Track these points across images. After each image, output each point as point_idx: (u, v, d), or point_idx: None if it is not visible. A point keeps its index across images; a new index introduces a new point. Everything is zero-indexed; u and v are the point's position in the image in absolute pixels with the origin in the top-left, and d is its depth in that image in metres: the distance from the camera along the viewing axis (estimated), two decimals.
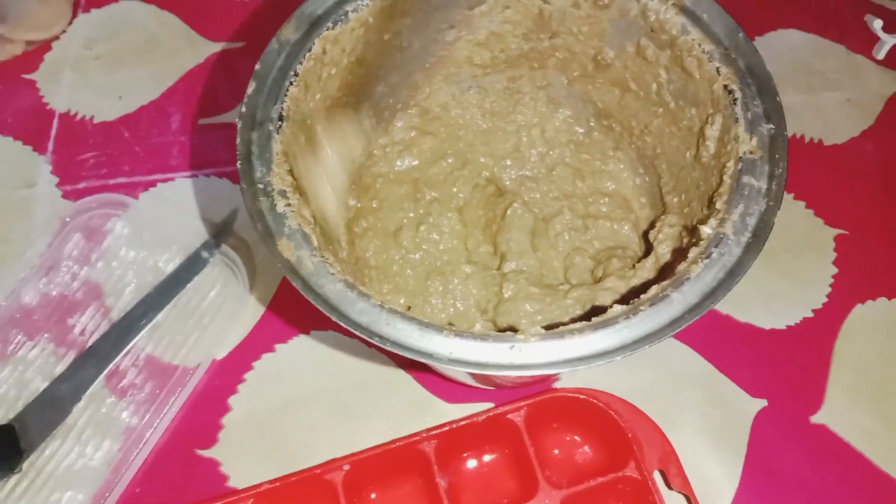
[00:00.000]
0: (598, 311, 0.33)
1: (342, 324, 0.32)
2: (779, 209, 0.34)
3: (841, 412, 0.49)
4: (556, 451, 0.46)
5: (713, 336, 0.51)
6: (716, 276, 0.32)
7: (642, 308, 0.31)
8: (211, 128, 0.60)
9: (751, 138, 0.35)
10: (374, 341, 0.31)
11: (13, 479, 0.47)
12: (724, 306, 0.52)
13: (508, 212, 0.44)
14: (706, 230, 0.33)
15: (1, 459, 0.46)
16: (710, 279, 0.32)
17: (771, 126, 0.35)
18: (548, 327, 0.32)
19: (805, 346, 0.51)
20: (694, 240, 0.34)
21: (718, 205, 0.34)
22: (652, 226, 0.42)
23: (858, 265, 0.54)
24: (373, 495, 0.46)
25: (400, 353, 0.31)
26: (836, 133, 0.59)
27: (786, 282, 0.53)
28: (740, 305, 0.52)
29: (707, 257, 0.32)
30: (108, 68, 0.63)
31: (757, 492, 0.46)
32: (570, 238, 0.43)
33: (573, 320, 0.35)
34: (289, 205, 0.34)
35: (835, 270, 0.54)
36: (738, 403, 0.49)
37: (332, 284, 0.32)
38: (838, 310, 0.52)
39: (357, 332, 0.31)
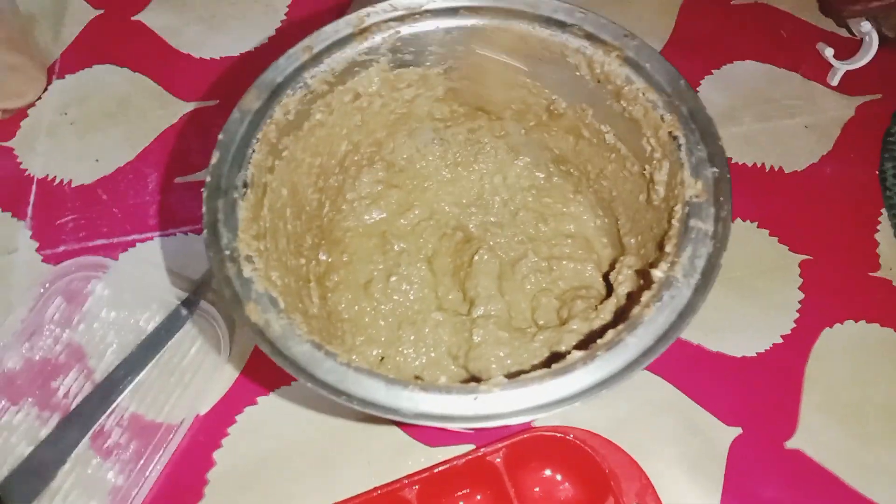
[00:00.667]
0: (560, 356, 0.34)
1: (310, 384, 0.33)
2: (725, 250, 0.35)
3: (815, 436, 0.50)
4: (537, 489, 0.47)
5: (685, 366, 0.52)
6: (667, 318, 0.33)
7: (599, 353, 0.32)
8: (186, 186, 0.61)
9: (696, 182, 0.36)
10: (342, 400, 0.32)
11: None
12: (694, 336, 0.53)
13: (475, 258, 0.45)
14: (657, 274, 0.34)
15: None
16: (663, 322, 0.33)
17: (715, 169, 0.36)
18: (513, 374, 0.33)
19: (776, 371, 0.52)
20: (647, 283, 0.35)
21: (668, 248, 0.35)
22: (612, 266, 0.43)
23: (824, 289, 0.55)
24: None
25: (367, 410, 0.32)
26: (796, 160, 0.61)
27: (754, 309, 0.54)
28: (711, 334, 0.53)
29: (659, 300, 0.34)
30: (83, 132, 0.64)
31: None
32: (535, 280, 0.45)
33: (541, 362, 0.36)
34: (255, 269, 0.36)
35: (801, 296, 0.55)
36: (714, 432, 0.50)
37: (299, 346, 0.33)
38: (807, 334, 0.53)
39: (325, 392, 0.32)
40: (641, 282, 0.38)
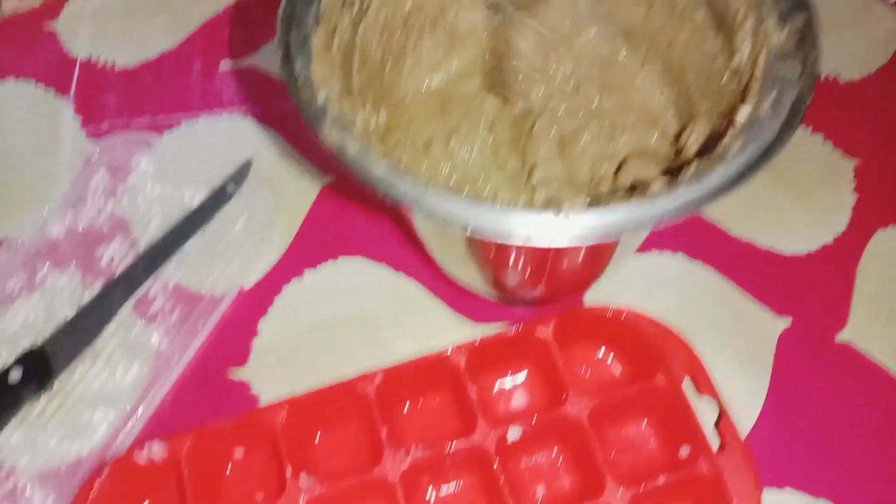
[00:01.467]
0: None
1: (390, 201, 0.32)
2: (811, 96, 0.35)
3: (865, 331, 0.49)
4: (585, 366, 0.47)
5: (736, 260, 0.52)
6: (753, 153, 0.32)
7: (683, 183, 0.32)
8: (231, 73, 0.61)
9: (782, 29, 0.35)
10: (423, 216, 0.31)
11: (44, 399, 0.47)
12: (744, 232, 0.53)
13: (535, 127, 0.45)
14: (741, 115, 0.34)
15: (32, 380, 0.46)
16: (747, 156, 0.32)
17: (803, 13, 0.35)
18: None
19: (827, 269, 0.52)
20: (726, 130, 0.34)
21: (752, 93, 0.34)
22: (679, 136, 0.42)
23: (877, 192, 0.54)
24: (405, 408, 0.46)
25: (448, 226, 0.31)
26: (851, 70, 0.60)
27: (806, 209, 0.54)
28: (761, 232, 0.53)
29: (743, 137, 0.33)
30: (128, 17, 0.63)
31: (783, 407, 0.47)
32: (597, 148, 0.44)
33: None
34: (328, 98, 0.35)
35: (854, 198, 0.54)
36: (763, 322, 0.50)
37: (377, 166, 0.33)
38: (859, 235, 0.53)
39: (406, 206, 0.32)
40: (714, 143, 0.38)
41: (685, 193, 0.31)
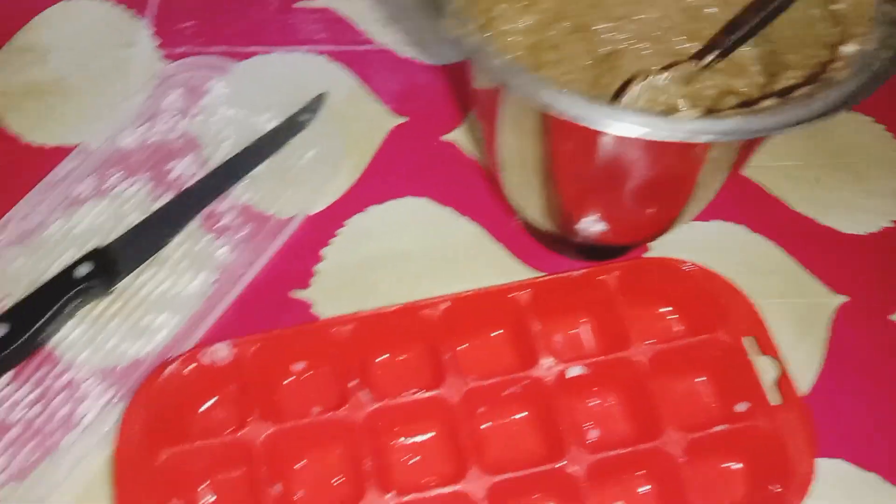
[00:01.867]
0: None
1: (507, 93, 0.32)
2: None
3: None
4: (647, 315, 0.47)
5: (796, 235, 0.52)
6: (859, 80, 0.33)
7: (790, 103, 0.32)
8: (306, 10, 0.61)
9: None
10: (552, 111, 0.32)
11: (106, 299, 0.48)
12: (805, 209, 0.53)
13: (620, 65, 0.45)
14: (847, 49, 0.34)
15: (98, 277, 0.46)
16: (854, 83, 0.33)
17: None
18: None
19: (885, 251, 0.52)
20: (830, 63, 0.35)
21: (857, 32, 0.35)
22: (767, 86, 0.43)
23: None
24: (464, 344, 0.46)
25: (564, 116, 0.31)
26: None
27: (866, 194, 0.54)
28: (822, 211, 0.53)
29: (849, 67, 0.34)
30: None
31: (837, 380, 0.47)
32: (682, 89, 0.44)
33: None
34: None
35: None
36: (821, 297, 0.50)
37: (496, 59, 0.33)
38: None
39: (521, 96, 0.32)
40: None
41: (795, 110, 0.32)
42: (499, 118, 0.40)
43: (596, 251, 0.50)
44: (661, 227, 0.46)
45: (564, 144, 0.38)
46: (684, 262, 0.46)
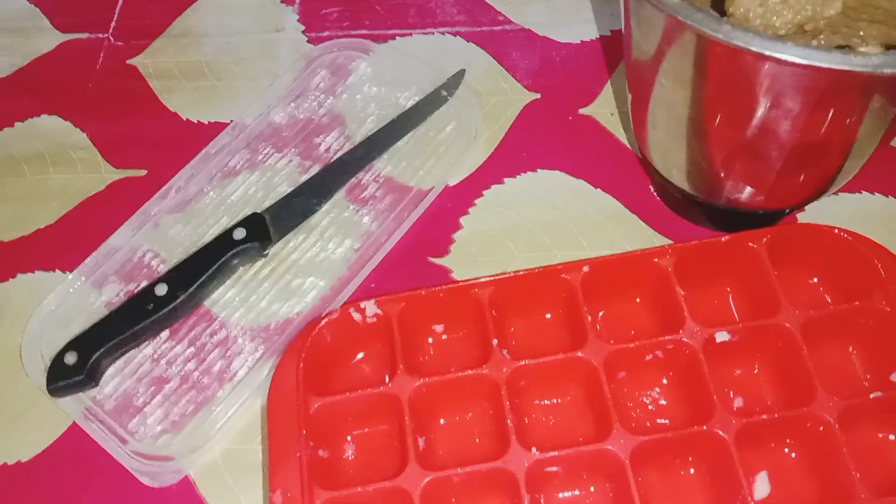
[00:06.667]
0: None
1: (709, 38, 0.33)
2: None
3: None
4: (797, 281, 0.45)
5: None
6: None
7: None
8: None
9: None
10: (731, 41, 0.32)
11: (258, 264, 0.50)
12: None
13: None
14: None
15: (254, 241, 0.49)
16: None
17: None
18: None
19: None
20: None
21: None
22: None
23: None
24: (604, 308, 0.46)
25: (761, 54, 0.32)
26: None
27: None
28: None
29: None
30: None
31: None
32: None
33: None
34: None
35: None
36: None
37: (696, 13, 0.34)
38: None
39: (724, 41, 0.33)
40: None
41: None
42: (660, 69, 0.40)
43: (734, 221, 0.49)
44: (812, 189, 0.45)
45: (730, 84, 0.37)
46: (837, 229, 0.45)
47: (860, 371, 0.43)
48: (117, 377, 0.47)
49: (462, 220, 0.52)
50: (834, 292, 0.46)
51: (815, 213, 0.50)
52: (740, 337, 0.42)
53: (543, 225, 0.51)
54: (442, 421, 0.44)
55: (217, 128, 0.56)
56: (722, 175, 0.44)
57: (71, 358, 0.45)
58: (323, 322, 0.44)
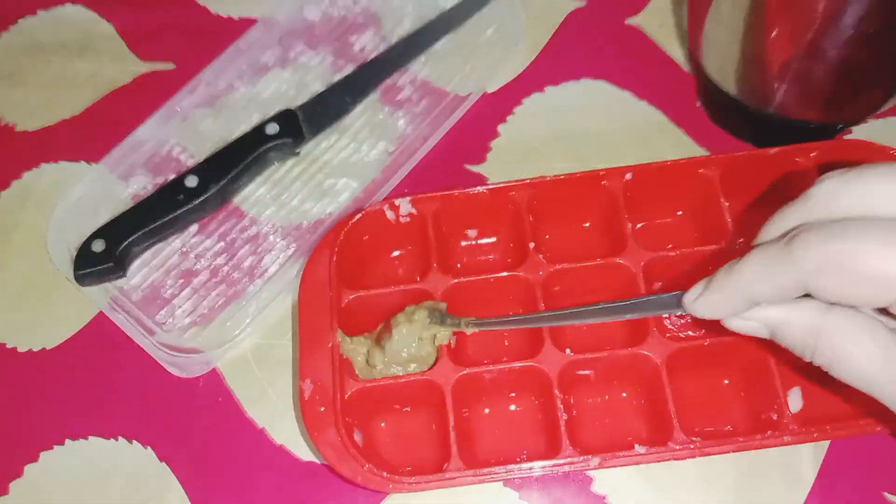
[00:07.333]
0: None
1: None
2: None
3: None
4: None
5: None
6: None
7: None
8: None
9: None
10: None
11: (289, 162, 0.49)
12: None
13: None
14: None
15: (286, 137, 0.48)
16: None
17: None
18: None
19: None
20: None
21: None
22: None
23: None
24: (639, 224, 0.45)
25: None
26: None
27: None
28: None
29: None
30: None
31: None
32: None
33: None
34: None
35: None
36: None
37: None
38: None
39: None
40: None
41: None
42: None
43: (781, 135, 0.47)
44: (866, 102, 0.43)
45: None
46: (892, 150, 0.43)
47: None
48: (144, 269, 0.47)
49: (500, 127, 0.50)
50: None
51: (862, 136, 0.48)
52: None
53: (585, 135, 0.50)
54: None
55: (246, 23, 0.55)
56: (777, 76, 0.42)
57: (99, 245, 0.45)
58: (357, 217, 0.43)
